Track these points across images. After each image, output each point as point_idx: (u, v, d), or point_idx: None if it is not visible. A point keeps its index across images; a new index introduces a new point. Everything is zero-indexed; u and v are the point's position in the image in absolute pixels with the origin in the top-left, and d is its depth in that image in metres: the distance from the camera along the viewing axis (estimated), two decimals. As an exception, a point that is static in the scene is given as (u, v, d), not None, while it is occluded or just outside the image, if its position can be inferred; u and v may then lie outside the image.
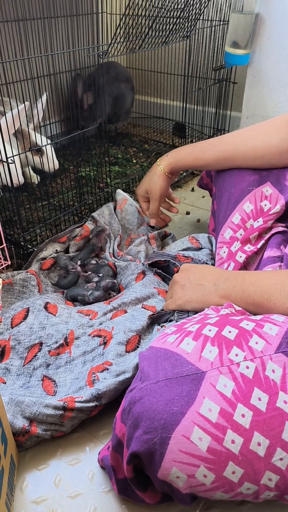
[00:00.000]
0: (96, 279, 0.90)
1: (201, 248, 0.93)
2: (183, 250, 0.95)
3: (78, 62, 1.24)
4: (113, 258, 0.96)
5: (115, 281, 0.86)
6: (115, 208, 1.09)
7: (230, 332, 0.52)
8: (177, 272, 0.84)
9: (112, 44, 0.91)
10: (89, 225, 1.01)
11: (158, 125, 1.66)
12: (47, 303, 0.80)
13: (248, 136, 0.84)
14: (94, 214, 1.05)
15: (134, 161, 1.40)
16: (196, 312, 0.68)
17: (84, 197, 1.10)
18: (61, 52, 0.86)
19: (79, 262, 0.94)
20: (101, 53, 0.89)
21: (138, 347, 0.71)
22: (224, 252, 0.82)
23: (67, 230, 1.00)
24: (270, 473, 0.45)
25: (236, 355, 0.49)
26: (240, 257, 0.78)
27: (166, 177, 0.96)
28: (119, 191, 1.14)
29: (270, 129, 0.81)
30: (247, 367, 0.47)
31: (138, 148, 1.50)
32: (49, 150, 1.03)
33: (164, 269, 0.90)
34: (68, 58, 1.02)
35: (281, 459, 0.44)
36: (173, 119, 1.60)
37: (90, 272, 0.93)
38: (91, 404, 0.62)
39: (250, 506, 0.55)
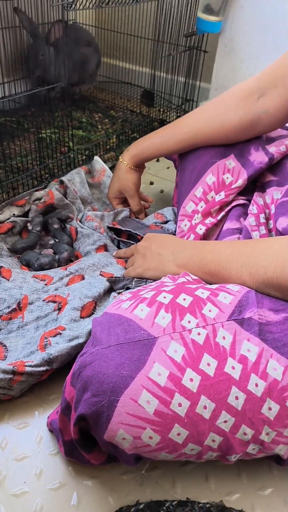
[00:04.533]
0: (52, 241, 0.87)
1: (167, 221, 0.94)
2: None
3: (40, 14, 1.16)
4: (79, 222, 0.93)
5: (72, 249, 0.84)
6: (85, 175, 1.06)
7: (184, 299, 0.52)
8: (141, 240, 0.84)
9: (79, -4, 0.86)
10: (55, 192, 0.97)
11: (126, 91, 1.61)
12: (1, 267, 0.77)
13: (206, 121, 0.82)
14: (63, 178, 1.00)
15: (99, 127, 1.35)
16: (154, 280, 0.68)
17: (44, 160, 1.06)
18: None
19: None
20: (66, 3, 0.84)
21: (93, 313, 0.70)
22: (185, 225, 0.82)
23: (25, 193, 0.96)
24: (214, 434, 0.46)
25: (189, 322, 0.49)
26: (200, 229, 0.78)
27: (134, 170, 0.94)
28: (97, 158, 1.10)
29: (227, 110, 0.80)
30: (199, 334, 0.48)
31: (104, 113, 1.45)
32: None
33: (128, 237, 0.90)
34: (29, 8, 0.95)
35: (225, 421, 0.46)
36: (142, 86, 1.55)
37: (46, 235, 0.90)
38: (41, 368, 0.61)
39: (193, 467, 0.57)
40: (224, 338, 0.48)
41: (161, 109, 1.47)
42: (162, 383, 0.45)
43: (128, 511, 0.52)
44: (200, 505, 0.52)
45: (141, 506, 0.52)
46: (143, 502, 0.53)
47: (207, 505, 0.52)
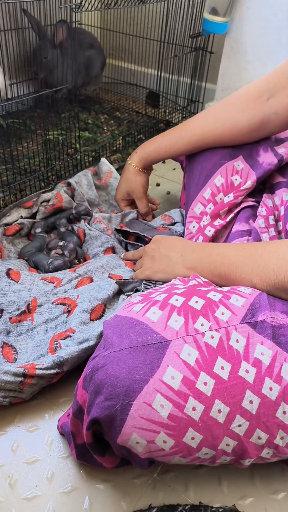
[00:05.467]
0: (61, 243, 0.87)
1: (175, 223, 0.93)
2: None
3: (49, 16, 1.16)
4: (86, 224, 0.93)
5: (81, 250, 0.84)
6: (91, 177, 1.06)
7: (197, 302, 0.51)
8: (148, 242, 0.84)
9: (87, -3, 0.86)
10: (63, 194, 0.97)
11: (131, 92, 1.61)
12: (10, 269, 0.77)
13: (214, 122, 0.82)
14: (71, 180, 1.00)
15: (105, 128, 1.35)
16: (163, 283, 0.67)
17: (51, 162, 1.06)
18: (29, 0, 0.79)
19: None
20: (73, 5, 0.84)
21: (102, 316, 0.70)
22: (194, 227, 0.82)
23: (32, 194, 0.96)
24: (228, 438, 0.46)
25: (202, 325, 0.49)
26: (209, 231, 0.78)
27: (142, 172, 0.93)
28: (104, 160, 1.10)
29: (235, 111, 0.79)
30: (212, 337, 0.48)
31: (109, 115, 1.45)
32: None
33: (136, 239, 0.90)
34: (37, 9, 0.95)
35: (239, 425, 0.45)
36: (147, 87, 1.55)
37: (54, 238, 0.90)
38: (52, 371, 0.61)
39: (206, 470, 0.57)
40: (237, 341, 0.47)
41: (167, 110, 1.47)
42: (176, 386, 0.45)
43: (140, 515, 0.51)
44: (213, 509, 0.52)
45: (153, 510, 0.52)
46: (156, 506, 0.53)
47: (220, 510, 0.52)
